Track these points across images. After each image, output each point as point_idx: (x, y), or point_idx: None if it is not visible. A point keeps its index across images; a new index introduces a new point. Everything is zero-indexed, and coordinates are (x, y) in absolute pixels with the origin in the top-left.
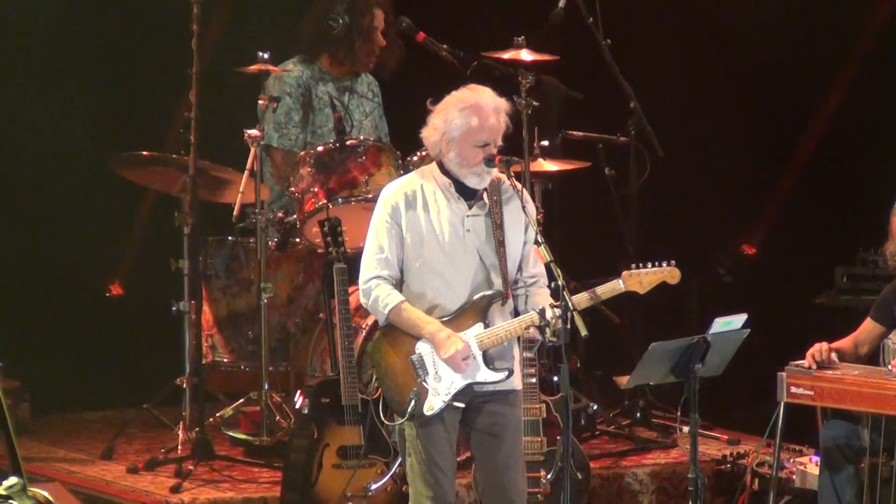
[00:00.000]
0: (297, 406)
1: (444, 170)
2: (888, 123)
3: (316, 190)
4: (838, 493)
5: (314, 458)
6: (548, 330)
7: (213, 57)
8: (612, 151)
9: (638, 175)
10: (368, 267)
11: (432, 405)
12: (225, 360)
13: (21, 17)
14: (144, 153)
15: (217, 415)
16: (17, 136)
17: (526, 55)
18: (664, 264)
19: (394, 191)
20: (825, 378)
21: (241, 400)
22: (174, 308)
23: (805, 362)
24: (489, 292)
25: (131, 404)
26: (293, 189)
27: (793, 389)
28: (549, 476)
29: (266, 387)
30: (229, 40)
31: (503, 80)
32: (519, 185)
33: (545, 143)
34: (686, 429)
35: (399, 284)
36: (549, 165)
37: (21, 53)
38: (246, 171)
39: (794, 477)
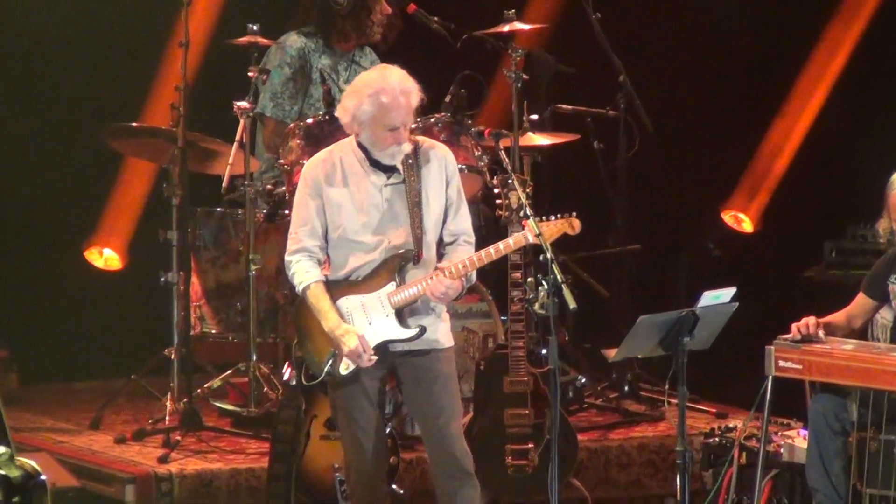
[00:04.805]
0: (285, 377)
1: (360, 144)
2: (877, 97)
3: (305, 162)
4: (826, 467)
5: (302, 430)
6: (536, 303)
7: (202, 28)
8: (601, 125)
9: (627, 149)
10: (293, 239)
11: (348, 365)
12: (213, 331)
13: None
14: (134, 124)
15: (205, 386)
16: (4, 111)
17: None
18: (565, 215)
19: (314, 164)
20: (813, 352)
21: (230, 371)
22: (162, 279)
23: (791, 335)
24: (400, 252)
25: (119, 375)
26: (282, 161)
27: (781, 363)
28: (536, 449)
29: (254, 358)
30: (219, 11)
31: (493, 53)
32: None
33: (534, 116)
34: (674, 402)
35: (325, 254)
36: (539, 139)
37: (3, 22)
38: (235, 143)
39: (781, 451)
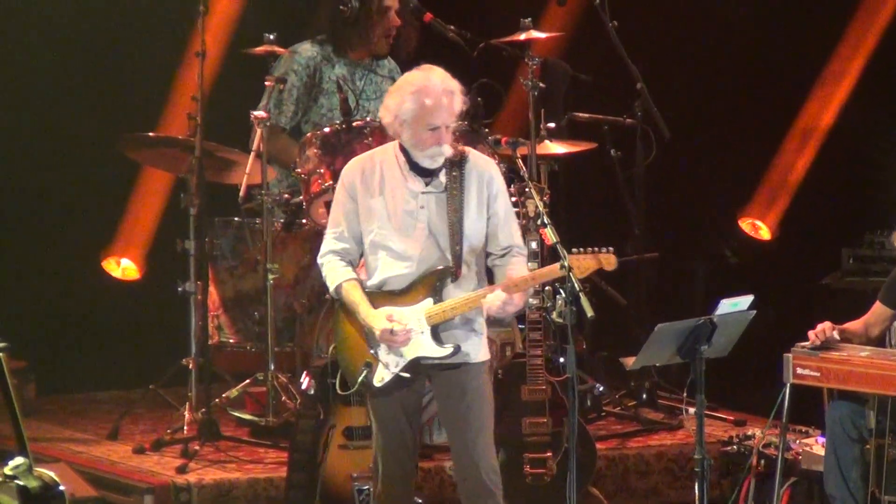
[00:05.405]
0: (304, 387)
1: (402, 147)
2: (894, 105)
3: (322, 171)
4: (844, 474)
5: (320, 439)
6: (554, 311)
7: (219, 38)
8: (618, 133)
9: (644, 156)
10: (326, 241)
11: (382, 377)
12: (231, 340)
13: None
14: (151, 134)
15: (223, 395)
16: (21, 120)
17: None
18: (602, 250)
19: (352, 166)
20: (831, 359)
21: (248, 381)
22: (180, 289)
23: (808, 342)
24: (438, 268)
25: (137, 385)
26: (299, 170)
27: (799, 371)
28: (555, 457)
29: (272, 367)
30: (236, 21)
31: (510, 61)
32: (486, 162)
33: (551, 125)
34: (692, 410)
35: (358, 258)
36: (556, 147)
37: (22, 30)
38: (252, 153)
39: (800, 458)
